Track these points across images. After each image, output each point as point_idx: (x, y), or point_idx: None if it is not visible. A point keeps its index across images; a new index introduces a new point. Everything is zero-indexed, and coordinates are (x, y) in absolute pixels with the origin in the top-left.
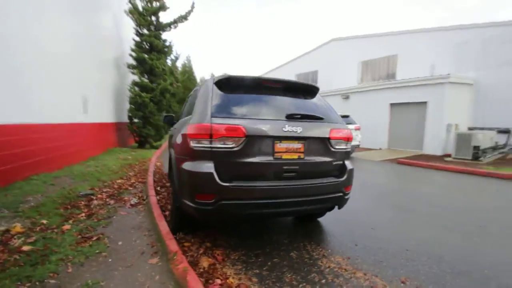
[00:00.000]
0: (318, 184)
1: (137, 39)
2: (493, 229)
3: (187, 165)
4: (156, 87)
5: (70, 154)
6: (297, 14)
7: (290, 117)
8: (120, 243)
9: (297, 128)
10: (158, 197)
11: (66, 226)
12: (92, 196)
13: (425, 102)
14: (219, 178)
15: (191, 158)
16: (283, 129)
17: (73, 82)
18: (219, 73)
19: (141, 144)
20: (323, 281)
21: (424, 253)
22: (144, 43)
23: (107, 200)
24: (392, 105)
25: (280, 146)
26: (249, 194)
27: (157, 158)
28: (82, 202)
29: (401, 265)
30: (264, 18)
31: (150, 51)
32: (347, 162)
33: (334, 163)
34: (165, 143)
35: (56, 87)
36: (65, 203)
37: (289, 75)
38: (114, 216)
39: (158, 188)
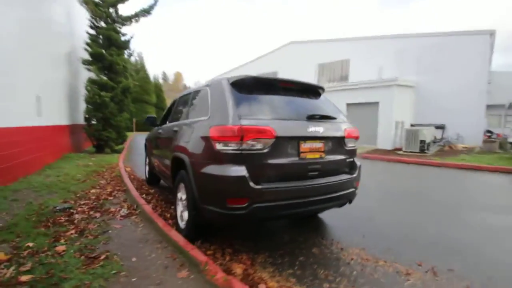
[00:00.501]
0: (338, 181)
1: (92, 32)
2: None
3: (213, 169)
4: (117, 85)
5: (24, 163)
6: (255, 16)
7: (311, 118)
8: (134, 259)
9: (319, 129)
10: (150, 205)
11: (60, 247)
12: (71, 210)
13: (377, 102)
14: (252, 181)
15: (217, 161)
16: (308, 129)
17: (22, 80)
18: (172, 72)
19: (99, 149)
20: (354, 272)
21: (423, 236)
22: (101, 37)
23: (91, 213)
24: (348, 105)
25: (305, 146)
26: (280, 195)
27: (124, 164)
28: (62, 218)
29: (409, 249)
30: (220, 17)
31: (109, 46)
32: (355, 159)
33: (347, 160)
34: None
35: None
36: (42, 220)
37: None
38: (109, 230)
39: (144, 196)
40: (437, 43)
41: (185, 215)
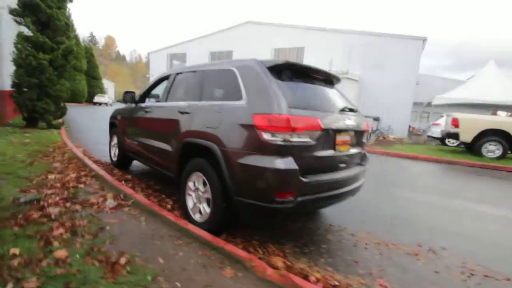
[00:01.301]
0: (358, 172)
1: None
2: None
3: (259, 161)
4: (57, 46)
5: None
6: None
7: (343, 110)
8: (161, 260)
9: (351, 121)
10: (142, 194)
11: (60, 252)
12: (41, 202)
13: None
14: (300, 174)
15: (263, 152)
16: (344, 122)
17: None
18: (103, 35)
19: (32, 122)
20: (377, 256)
21: (415, 219)
22: None
23: (68, 205)
24: None
25: (339, 139)
26: (321, 188)
27: (71, 142)
28: (34, 213)
29: (408, 231)
30: None
31: None
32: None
33: (363, 152)
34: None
35: None
36: (8, 217)
37: (203, 52)
38: (106, 226)
39: (123, 183)
40: (380, 42)
41: (204, 207)
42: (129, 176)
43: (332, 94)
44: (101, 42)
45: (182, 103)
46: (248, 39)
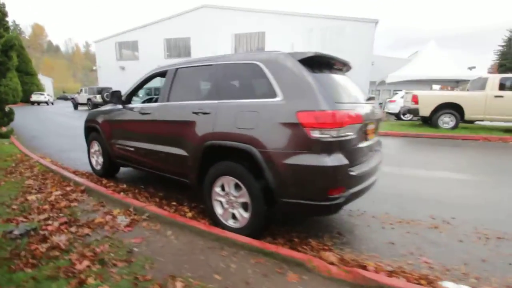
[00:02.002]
0: (380, 157)
1: None
2: None
3: (308, 160)
4: None
5: None
6: None
7: (367, 100)
8: (217, 277)
9: (376, 110)
10: (153, 205)
11: None
12: (39, 232)
13: None
14: (349, 169)
15: (312, 151)
16: (373, 112)
17: None
18: (28, 24)
19: None
20: (406, 235)
21: (415, 194)
22: None
23: (73, 230)
24: None
25: (369, 128)
26: (363, 178)
27: (34, 152)
28: (38, 246)
29: (415, 206)
30: None
31: None
32: None
33: (379, 139)
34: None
35: None
36: (9, 257)
37: (157, 39)
38: (133, 248)
39: (122, 194)
40: (337, 25)
41: (240, 212)
42: (124, 186)
43: (351, 83)
44: (27, 31)
45: (196, 103)
46: (205, 25)
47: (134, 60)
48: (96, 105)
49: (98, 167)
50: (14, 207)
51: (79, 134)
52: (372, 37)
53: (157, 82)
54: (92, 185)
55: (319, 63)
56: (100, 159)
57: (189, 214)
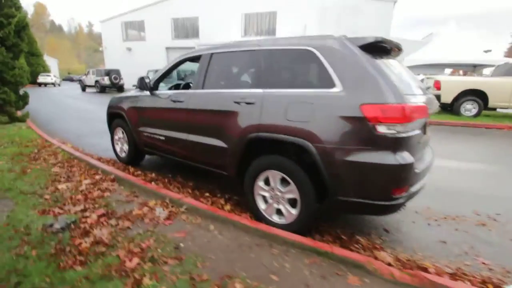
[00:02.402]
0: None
1: None
2: None
3: (373, 157)
4: (7, 21)
5: None
6: None
7: (426, 90)
8: (275, 278)
9: (435, 102)
10: (187, 195)
11: None
12: (79, 225)
13: None
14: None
15: (377, 147)
16: (433, 104)
17: None
18: (30, 2)
19: None
20: (455, 232)
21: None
22: None
23: (115, 223)
24: None
25: (427, 122)
26: (422, 177)
27: (53, 137)
28: (82, 241)
29: (456, 200)
30: None
31: None
32: None
33: None
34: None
35: None
36: (54, 253)
37: (164, 19)
38: (180, 244)
39: (153, 183)
40: (354, 5)
41: (288, 208)
42: (152, 175)
43: (409, 71)
44: (29, 10)
45: (237, 91)
46: (214, 4)
47: (141, 40)
48: (104, 87)
49: (123, 155)
50: (47, 196)
51: (94, 118)
52: (390, 18)
53: (184, 66)
54: (121, 174)
55: (377, 49)
56: (126, 147)
57: (227, 207)
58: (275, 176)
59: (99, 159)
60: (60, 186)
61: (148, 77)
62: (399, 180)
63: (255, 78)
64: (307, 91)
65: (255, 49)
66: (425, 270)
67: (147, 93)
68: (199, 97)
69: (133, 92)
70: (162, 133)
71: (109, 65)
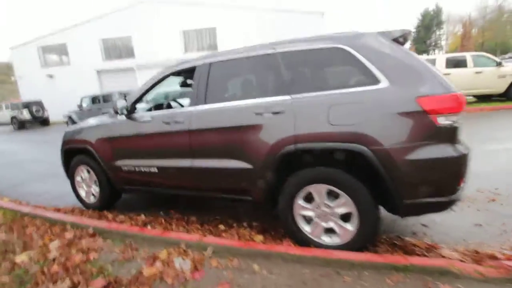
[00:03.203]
0: None
1: None
2: None
3: (435, 152)
4: None
5: None
6: None
7: None
8: None
9: None
10: (207, 230)
11: None
12: None
13: None
14: None
15: (439, 140)
16: None
17: None
18: None
19: None
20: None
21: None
22: None
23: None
24: None
25: None
26: None
27: None
28: None
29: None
30: None
31: None
32: None
33: None
34: None
35: None
36: None
37: (92, 40)
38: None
39: (149, 227)
40: (285, 18)
41: (342, 225)
42: (142, 217)
43: None
44: None
45: (256, 101)
46: (149, 22)
47: (65, 65)
48: (23, 123)
49: (92, 199)
50: (4, 279)
51: (25, 160)
52: (319, 28)
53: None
54: (102, 224)
55: (400, 41)
56: (95, 189)
57: (258, 238)
58: (320, 190)
59: (58, 210)
60: (19, 259)
61: (125, 99)
62: (463, 170)
63: (276, 84)
64: (350, 90)
65: (270, 52)
66: (495, 258)
67: (123, 118)
68: (205, 114)
69: (100, 119)
70: (152, 163)
71: (26, 96)
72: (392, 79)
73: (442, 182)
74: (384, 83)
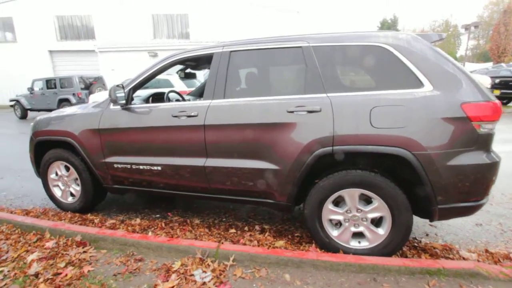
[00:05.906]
0: None
1: None
2: None
3: (477, 158)
4: None
5: None
6: None
7: None
8: None
9: None
10: (217, 234)
11: None
12: None
13: None
14: None
15: (478, 147)
16: None
17: None
18: None
19: None
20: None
21: None
22: None
23: None
24: None
25: None
26: None
27: None
28: None
29: None
30: None
31: None
32: None
33: None
34: None
35: None
36: None
37: (44, 16)
38: None
39: (150, 234)
40: (264, 13)
41: (374, 230)
42: (137, 220)
43: None
44: None
45: (289, 98)
46: (113, 0)
47: (10, 42)
48: None
49: (71, 199)
50: None
51: None
52: (295, 26)
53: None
54: (92, 230)
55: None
56: (75, 188)
57: (279, 243)
58: (353, 194)
59: (27, 213)
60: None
61: (122, 85)
62: (494, 176)
63: (310, 81)
64: (393, 92)
65: (303, 45)
66: (509, 258)
67: (117, 108)
68: (225, 109)
69: (87, 107)
70: (155, 161)
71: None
72: (435, 83)
73: (475, 188)
74: (428, 87)
